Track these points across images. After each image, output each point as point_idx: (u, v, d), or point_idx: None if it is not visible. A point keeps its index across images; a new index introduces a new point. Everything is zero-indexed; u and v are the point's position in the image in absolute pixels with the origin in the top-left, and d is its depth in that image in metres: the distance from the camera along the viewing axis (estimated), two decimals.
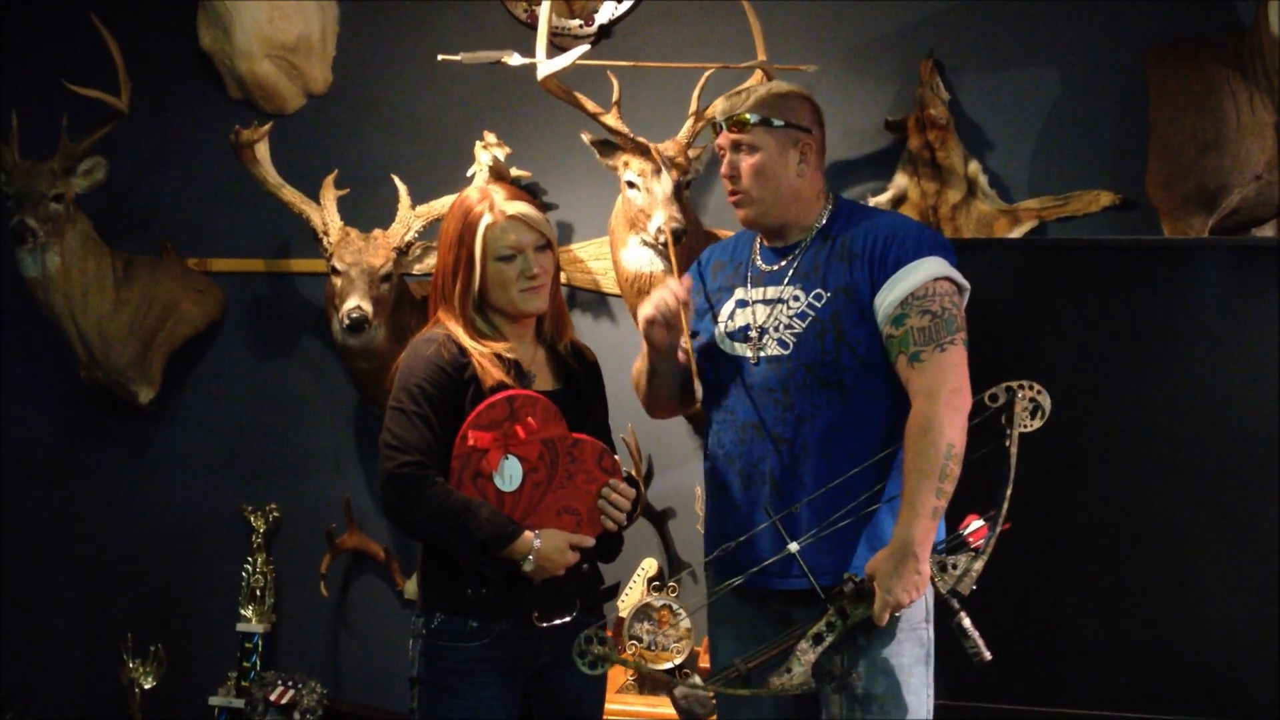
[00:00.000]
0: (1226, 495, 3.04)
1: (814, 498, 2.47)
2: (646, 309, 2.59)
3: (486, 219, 2.57)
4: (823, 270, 2.57)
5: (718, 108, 2.68)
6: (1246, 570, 3.01)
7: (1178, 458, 3.08)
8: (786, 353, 2.55)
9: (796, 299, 2.58)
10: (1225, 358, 3.08)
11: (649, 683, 3.56)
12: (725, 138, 2.63)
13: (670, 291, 2.57)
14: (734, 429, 2.60)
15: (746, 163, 2.59)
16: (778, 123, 2.59)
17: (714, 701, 2.42)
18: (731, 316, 2.65)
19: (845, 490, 2.46)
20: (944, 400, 2.41)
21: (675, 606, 3.63)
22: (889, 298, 2.49)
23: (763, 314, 2.60)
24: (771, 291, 2.62)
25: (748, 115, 2.58)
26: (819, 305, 2.55)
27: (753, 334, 2.60)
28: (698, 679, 2.33)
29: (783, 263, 2.64)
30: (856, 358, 2.51)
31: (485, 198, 2.60)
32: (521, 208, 2.59)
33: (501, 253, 2.56)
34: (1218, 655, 3.04)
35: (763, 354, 2.58)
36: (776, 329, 2.58)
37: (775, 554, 2.45)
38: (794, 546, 2.42)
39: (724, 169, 2.64)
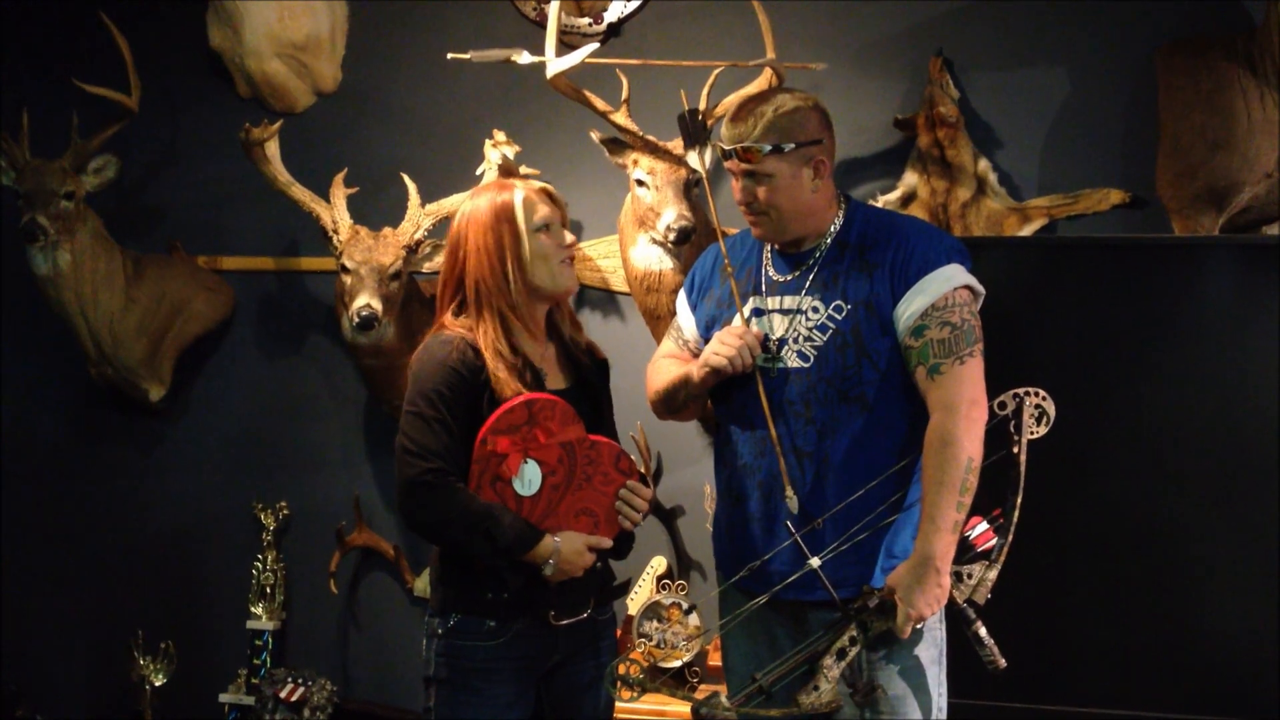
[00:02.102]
0: (1235, 494, 3.04)
1: (836, 511, 2.46)
2: (719, 360, 2.53)
3: (520, 194, 2.59)
4: (842, 282, 2.55)
5: (723, 133, 2.59)
6: (1255, 569, 3.01)
7: (1187, 456, 3.07)
8: (807, 365, 2.53)
9: (816, 310, 2.55)
10: (1236, 356, 3.07)
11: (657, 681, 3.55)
12: (735, 165, 2.57)
13: (748, 347, 2.52)
14: (753, 440, 2.58)
15: (762, 190, 2.54)
16: (789, 147, 2.52)
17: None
18: (747, 325, 2.61)
19: (866, 502, 2.46)
20: (963, 413, 2.41)
21: (684, 604, 3.63)
22: (910, 309, 2.48)
23: (780, 325, 2.58)
24: (789, 301, 2.59)
25: (758, 146, 2.52)
26: (839, 318, 2.53)
27: (770, 345, 2.57)
28: (723, 699, 2.31)
29: (797, 272, 2.61)
30: (877, 371, 2.50)
31: (506, 183, 2.65)
32: (544, 184, 2.67)
33: (538, 224, 2.58)
34: (1224, 654, 3.03)
35: (781, 365, 2.56)
36: (796, 340, 2.55)
37: (795, 565, 2.45)
38: (815, 562, 2.42)
39: (739, 195, 2.59)
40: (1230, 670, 3.03)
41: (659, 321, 3.57)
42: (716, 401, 2.71)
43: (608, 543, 2.57)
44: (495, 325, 2.54)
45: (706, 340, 2.66)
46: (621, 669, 2.31)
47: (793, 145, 2.53)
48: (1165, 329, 3.12)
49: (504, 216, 2.57)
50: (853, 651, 2.36)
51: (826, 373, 2.51)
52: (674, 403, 2.74)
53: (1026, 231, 3.67)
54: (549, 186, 2.66)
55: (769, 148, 2.52)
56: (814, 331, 2.54)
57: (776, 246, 2.66)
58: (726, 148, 2.57)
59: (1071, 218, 3.70)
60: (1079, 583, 3.12)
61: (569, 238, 2.62)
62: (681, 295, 2.83)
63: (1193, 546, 3.07)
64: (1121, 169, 3.67)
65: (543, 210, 2.59)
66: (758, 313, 2.62)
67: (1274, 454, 2.99)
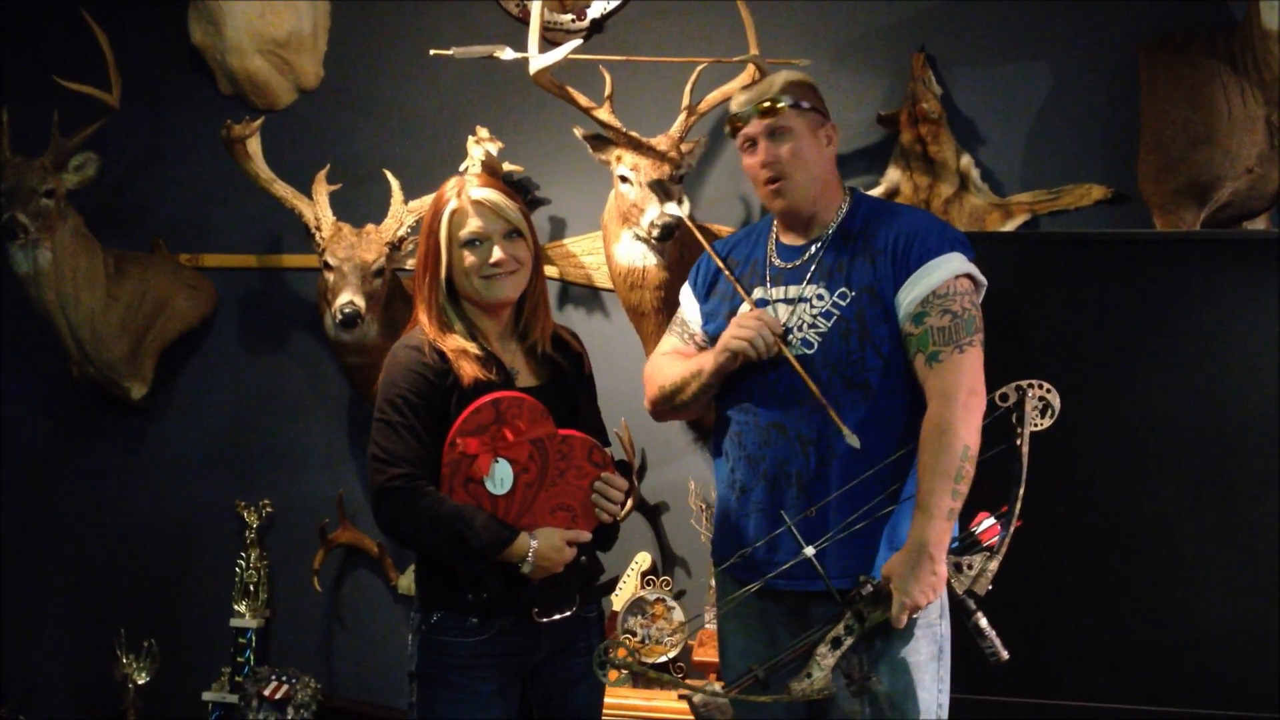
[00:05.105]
0: (1221, 487, 3.05)
1: (832, 500, 2.45)
2: (740, 344, 2.52)
3: (451, 205, 2.57)
4: (846, 268, 2.55)
5: (739, 99, 2.66)
6: (1246, 564, 3.02)
7: (1171, 451, 3.08)
8: (811, 352, 2.52)
9: (820, 298, 2.55)
10: (1216, 350, 3.09)
11: (644, 678, 3.56)
12: (757, 126, 2.60)
13: (767, 328, 2.51)
14: (757, 430, 2.56)
15: (785, 148, 2.58)
16: (806, 105, 2.61)
17: (732, 709, 2.39)
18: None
19: (867, 491, 2.45)
20: (960, 402, 2.40)
21: (668, 600, 3.63)
22: (910, 295, 2.48)
23: (784, 313, 2.58)
24: (793, 290, 2.59)
25: (781, 99, 2.59)
26: (844, 304, 2.52)
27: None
28: (716, 686, 2.31)
29: (801, 260, 2.61)
30: (881, 357, 2.50)
31: (456, 186, 2.59)
32: (487, 194, 2.56)
33: (464, 238, 2.55)
34: (1221, 648, 3.04)
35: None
36: (800, 328, 2.55)
37: (796, 556, 2.43)
38: (810, 551, 2.40)
39: (761, 157, 2.60)
40: (1227, 664, 3.04)
41: (643, 318, 3.57)
42: (718, 394, 2.69)
43: (586, 536, 2.55)
44: (428, 315, 2.55)
45: (711, 335, 2.65)
46: (610, 653, 2.30)
47: (809, 105, 2.61)
48: (1147, 323, 3.13)
49: (434, 226, 2.57)
50: (848, 641, 2.35)
51: (831, 359, 2.51)
52: (681, 396, 2.69)
53: (1009, 227, 3.68)
54: (494, 197, 2.55)
55: (791, 101, 2.60)
56: (818, 318, 2.54)
57: (783, 237, 2.67)
58: (744, 111, 2.63)
59: (1054, 213, 3.71)
60: (1070, 577, 3.12)
61: (497, 254, 2.53)
62: (686, 289, 2.82)
63: (1182, 540, 3.07)
64: (1103, 165, 3.69)
65: (473, 225, 2.54)
66: (762, 303, 2.62)
67: (1265, 448, 3.01)
